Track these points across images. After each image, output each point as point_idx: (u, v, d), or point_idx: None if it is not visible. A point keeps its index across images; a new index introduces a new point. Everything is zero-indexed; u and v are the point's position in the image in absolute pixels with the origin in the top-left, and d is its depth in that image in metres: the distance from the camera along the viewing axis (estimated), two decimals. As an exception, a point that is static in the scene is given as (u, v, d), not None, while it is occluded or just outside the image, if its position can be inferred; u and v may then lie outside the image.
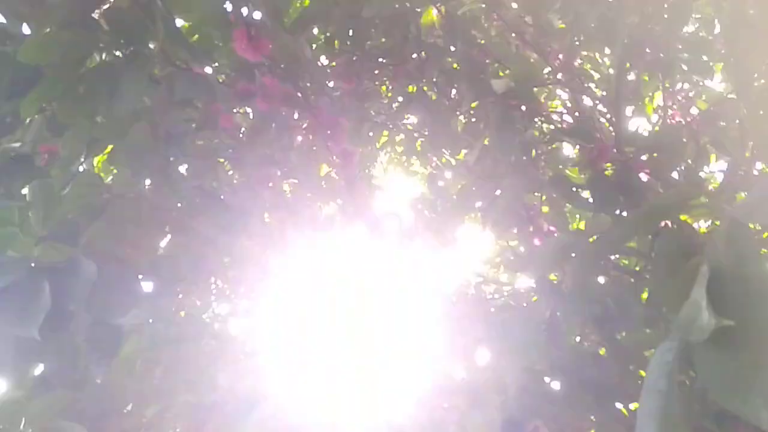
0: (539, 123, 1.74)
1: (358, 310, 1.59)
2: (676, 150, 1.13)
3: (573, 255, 0.84)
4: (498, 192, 1.49)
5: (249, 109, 1.57)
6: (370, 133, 2.12)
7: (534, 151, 1.43)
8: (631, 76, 1.70)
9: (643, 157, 1.09)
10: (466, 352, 1.18)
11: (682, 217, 1.00)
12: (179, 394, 1.21)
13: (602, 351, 0.98)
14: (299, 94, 1.15)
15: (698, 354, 0.39)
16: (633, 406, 1.03)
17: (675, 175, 1.21)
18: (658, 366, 0.48)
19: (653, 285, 0.77)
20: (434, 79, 1.77)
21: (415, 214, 1.72)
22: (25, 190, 1.00)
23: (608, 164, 1.14)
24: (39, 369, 1.00)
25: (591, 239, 0.83)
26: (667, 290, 0.59)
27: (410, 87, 1.95)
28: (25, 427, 0.71)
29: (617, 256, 1.29)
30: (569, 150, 1.95)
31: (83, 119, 0.95)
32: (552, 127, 1.74)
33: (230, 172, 1.54)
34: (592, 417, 0.86)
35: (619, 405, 0.98)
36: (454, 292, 1.86)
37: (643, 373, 0.96)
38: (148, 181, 1.27)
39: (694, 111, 1.66)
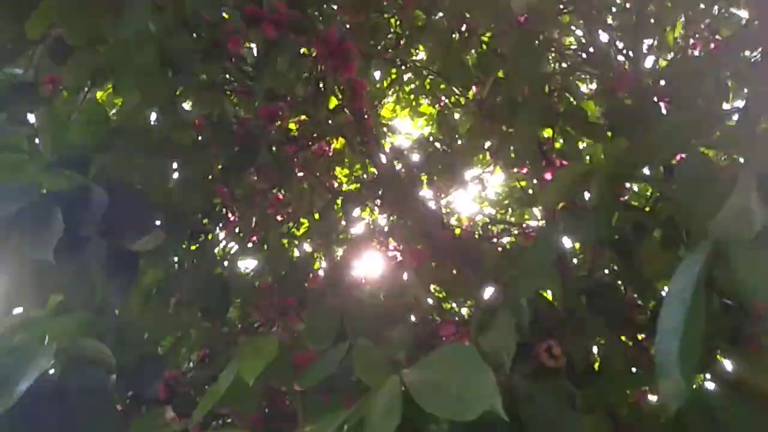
0: (554, 56, 1.68)
1: (367, 246, 1.60)
2: (696, 80, 1.10)
3: (586, 183, 0.83)
4: (509, 130, 1.45)
5: (253, 45, 1.52)
6: (378, 71, 2.06)
7: (548, 87, 1.39)
8: (651, 8, 1.62)
9: (663, 86, 1.06)
10: (474, 286, 1.19)
11: (702, 150, 0.98)
12: (193, 324, 1.24)
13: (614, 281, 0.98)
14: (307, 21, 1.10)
15: (736, 254, 0.39)
16: (639, 336, 1.04)
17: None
18: (684, 276, 0.48)
19: (673, 209, 0.77)
20: (443, 13, 1.69)
21: (424, 152, 1.69)
22: (31, 118, 0.98)
23: (627, 94, 1.10)
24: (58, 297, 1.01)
25: (606, 166, 0.82)
26: (692, 209, 0.58)
27: (419, 21, 1.87)
28: (49, 342, 0.73)
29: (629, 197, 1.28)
30: (583, 88, 1.90)
31: (88, 44, 0.92)
32: (565, 65, 1.68)
33: (237, 107, 1.50)
34: (602, 341, 0.88)
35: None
36: (462, 231, 1.86)
37: (653, 303, 0.96)
38: (153, 116, 1.24)
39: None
